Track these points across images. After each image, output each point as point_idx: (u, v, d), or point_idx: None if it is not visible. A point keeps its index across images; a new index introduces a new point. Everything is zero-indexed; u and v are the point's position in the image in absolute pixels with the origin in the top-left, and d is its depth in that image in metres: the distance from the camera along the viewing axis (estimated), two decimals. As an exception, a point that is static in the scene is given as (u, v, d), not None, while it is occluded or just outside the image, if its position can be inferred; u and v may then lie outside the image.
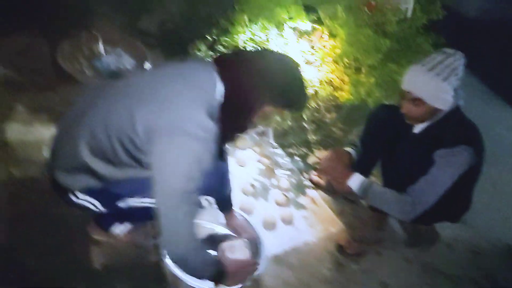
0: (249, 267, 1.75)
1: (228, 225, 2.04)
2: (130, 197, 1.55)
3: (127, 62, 2.72)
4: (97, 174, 1.45)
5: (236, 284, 1.68)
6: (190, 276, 1.65)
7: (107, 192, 1.52)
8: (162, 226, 1.38)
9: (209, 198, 1.71)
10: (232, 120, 1.46)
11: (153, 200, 1.47)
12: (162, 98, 1.37)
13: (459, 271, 2.43)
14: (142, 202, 1.56)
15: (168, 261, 1.74)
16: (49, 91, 2.44)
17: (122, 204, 1.58)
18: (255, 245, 1.98)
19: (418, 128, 1.99)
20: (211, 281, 1.54)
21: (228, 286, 1.60)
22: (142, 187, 1.48)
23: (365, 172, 2.29)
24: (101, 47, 2.75)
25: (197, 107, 1.36)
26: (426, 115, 1.89)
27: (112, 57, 2.72)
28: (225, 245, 1.78)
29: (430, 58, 1.82)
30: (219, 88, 1.42)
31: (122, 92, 1.46)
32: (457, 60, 1.80)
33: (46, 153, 1.60)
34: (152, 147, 1.35)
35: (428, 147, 1.86)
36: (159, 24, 3.27)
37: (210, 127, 1.36)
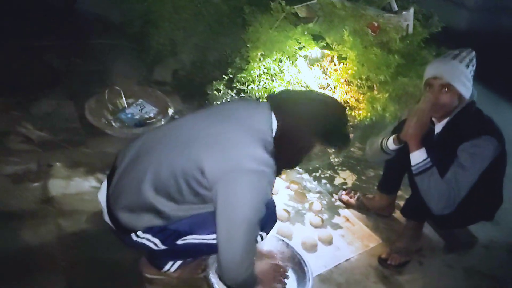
0: (278, 270, 1.91)
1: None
2: (190, 234, 1.62)
3: (150, 110, 2.86)
4: (161, 213, 1.54)
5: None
6: None
7: (168, 230, 1.60)
8: (225, 256, 1.47)
9: (263, 234, 1.78)
10: (284, 156, 1.56)
11: (211, 236, 1.57)
12: (225, 142, 1.48)
13: (501, 271, 2.43)
14: (201, 239, 1.63)
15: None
16: (82, 146, 2.57)
17: (181, 241, 1.65)
18: (298, 263, 2.04)
19: (438, 128, 2.06)
20: None
21: None
22: (203, 224, 1.58)
23: (393, 187, 2.35)
24: (123, 100, 2.90)
25: (256, 145, 1.46)
26: (451, 105, 1.97)
27: (135, 108, 2.86)
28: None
29: (449, 52, 2.00)
30: (274, 125, 1.53)
31: (185, 136, 1.56)
32: (471, 53, 1.97)
33: (101, 195, 1.68)
34: (219, 187, 1.44)
35: (453, 143, 1.93)
36: (173, 73, 3.45)
37: (270, 162, 1.47)
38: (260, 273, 1.78)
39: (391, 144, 2.15)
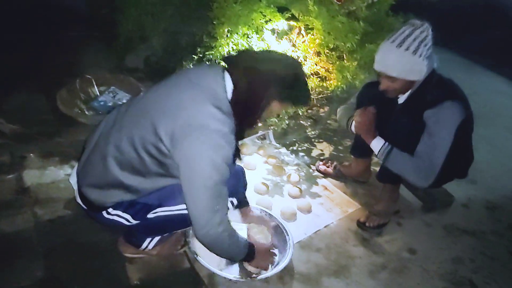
0: (272, 254, 1.91)
1: (245, 219, 2.10)
2: (160, 206, 1.64)
3: (123, 96, 2.85)
4: (128, 187, 1.55)
5: (261, 267, 1.84)
6: (223, 260, 1.83)
7: (138, 204, 1.61)
8: (194, 217, 1.48)
9: (233, 200, 1.81)
10: (242, 116, 1.56)
11: (180, 207, 1.59)
12: (176, 105, 1.48)
13: (480, 227, 2.50)
14: (171, 211, 1.65)
15: (200, 259, 1.82)
16: (56, 136, 2.55)
17: (152, 215, 1.66)
18: (280, 231, 2.07)
19: (402, 99, 2.08)
20: (242, 261, 1.70)
21: (254, 267, 1.79)
22: (171, 195, 1.59)
23: (365, 150, 2.39)
24: (95, 89, 2.88)
25: (208, 104, 1.46)
26: (405, 88, 1.98)
27: (107, 95, 2.85)
28: (251, 231, 1.90)
29: (398, 33, 1.89)
30: (229, 86, 1.53)
31: (141, 107, 1.57)
32: (424, 31, 1.87)
33: (72, 178, 1.69)
34: (176, 148, 1.45)
35: (416, 111, 1.95)
36: (145, 59, 3.43)
37: (228, 121, 1.47)
38: (257, 248, 1.81)
39: (353, 129, 2.21)
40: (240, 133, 1.62)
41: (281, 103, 1.58)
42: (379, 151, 2.05)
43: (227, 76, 1.53)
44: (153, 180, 1.56)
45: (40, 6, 3.66)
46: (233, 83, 1.52)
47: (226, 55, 1.63)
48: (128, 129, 1.53)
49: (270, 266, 1.88)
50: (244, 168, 2.53)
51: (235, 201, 1.81)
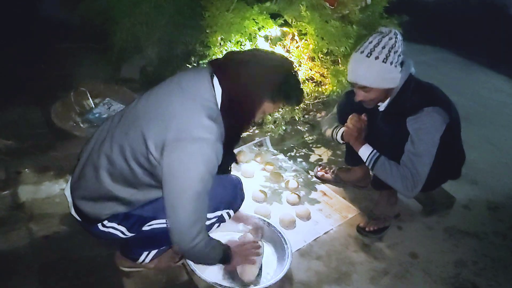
0: (251, 245, 1.88)
1: (235, 219, 2.04)
2: (155, 219, 1.62)
3: (118, 107, 2.83)
4: (121, 199, 1.53)
5: (243, 262, 1.82)
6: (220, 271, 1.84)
7: (133, 217, 1.59)
8: (173, 227, 1.46)
9: (230, 211, 1.78)
10: (234, 119, 1.52)
11: None
12: (166, 113, 1.45)
13: (482, 228, 2.47)
14: (166, 223, 1.61)
15: (198, 271, 1.80)
16: (51, 150, 2.53)
17: (147, 227, 1.64)
18: (279, 240, 2.04)
19: (382, 107, 2.04)
20: (220, 263, 1.68)
21: (235, 264, 1.80)
22: (164, 208, 1.55)
23: (358, 159, 2.36)
24: (90, 101, 2.87)
25: (198, 113, 1.44)
26: (381, 97, 1.96)
27: (102, 107, 2.83)
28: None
29: (367, 43, 1.88)
30: (218, 91, 1.50)
31: (131, 117, 1.54)
32: (392, 38, 1.86)
33: (67, 191, 1.67)
34: (163, 158, 1.42)
35: (397, 119, 1.92)
36: (140, 69, 3.41)
37: (213, 128, 1.43)
38: (235, 247, 1.80)
39: (340, 138, 2.20)
40: (234, 138, 1.59)
41: (273, 103, 1.55)
42: (367, 158, 2.02)
43: (216, 81, 1.50)
44: (145, 192, 1.54)
45: (31, 19, 3.64)
46: (222, 88, 1.49)
47: (212, 59, 1.58)
48: (119, 140, 1.51)
49: (257, 259, 1.86)
50: (242, 176, 2.54)
51: (231, 212, 1.78)
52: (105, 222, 1.57)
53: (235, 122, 1.53)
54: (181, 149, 1.40)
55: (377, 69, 1.85)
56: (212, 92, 1.49)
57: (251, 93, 1.49)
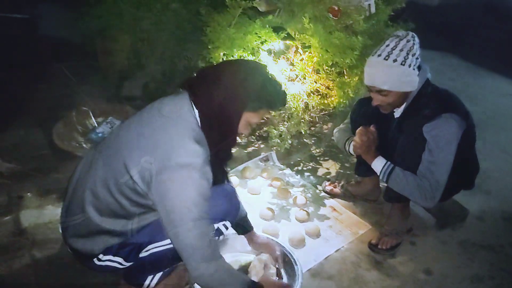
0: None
1: (252, 245, 2.00)
2: (151, 243, 1.56)
3: (121, 126, 2.78)
4: (112, 232, 1.48)
5: None
6: None
7: (128, 246, 1.54)
8: (184, 259, 1.40)
9: (226, 223, 1.72)
10: (217, 137, 1.48)
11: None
12: (149, 143, 1.41)
13: (497, 240, 2.39)
14: (163, 245, 1.57)
15: None
16: (53, 172, 2.49)
17: (145, 253, 1.58)
18: (288, 260, 1.97)
19: (398, 112, 2.00)
20: None
21: None
22: (160, 230, 1.49)
23: (369, 169, 2.31)
24: (93, 120, 2.83)
25: (182, 138, 1.40)
26: (399, 101, 1.91)
27: (105, 126, 2.79)
28: (254, 263, 1.83)
29: (384, 46, 1.84)
30: (196, 111, 1.45)
31: (113, 148, 1.50)
32: (410, 40, 1.82)
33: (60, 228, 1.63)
34: (152, 189, 1.38)
35: (414, 126, 1.87)
36: (142, 87, 3.38)
37: (199, 151, 1.39)
38: (264, 282, 1.70)
39: (352, 151, 2.15)
40: (223, 154, 1.54)
41: (255, 112, 1.50)
42: (380, 171, 1.97)
43: (192, 102, 1.46)
44: (137, 221, 1.50)
45: (31, 39, 3.62)
46: (197, 109, 1.45)
47: (186, 79, 1.54)
48: (102, 173, 1.46)
49: None
50: (248, 193, 2.48)
51: (228, 224, 1.72)
52: (100, 256, 1.52)
53: (219, 140, 1.48)
54: (169, 179, 1.36)
55: (395, 72, 1.80)
56: (192, 113, 1.45)
57: (226, 109, 1.45)
